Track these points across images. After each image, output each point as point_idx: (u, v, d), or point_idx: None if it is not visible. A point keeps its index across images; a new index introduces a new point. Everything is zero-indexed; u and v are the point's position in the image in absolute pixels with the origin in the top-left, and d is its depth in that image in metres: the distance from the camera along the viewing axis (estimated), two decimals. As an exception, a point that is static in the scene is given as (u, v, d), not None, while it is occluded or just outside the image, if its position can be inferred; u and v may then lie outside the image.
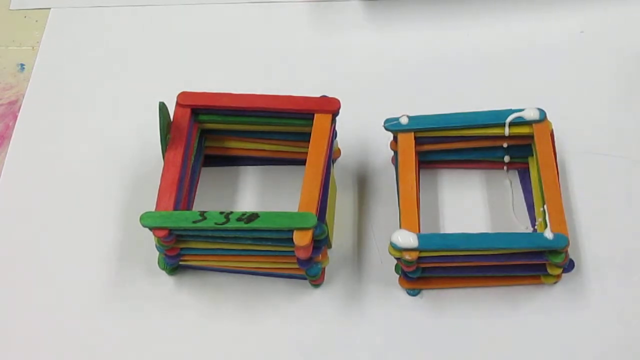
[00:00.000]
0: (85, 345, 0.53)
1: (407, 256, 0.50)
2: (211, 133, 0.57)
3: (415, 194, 0.52)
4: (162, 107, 0.53)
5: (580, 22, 0.65)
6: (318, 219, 0.50)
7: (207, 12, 0.68)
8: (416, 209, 0.52)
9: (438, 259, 0.51)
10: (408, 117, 0.55)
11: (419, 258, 0.50)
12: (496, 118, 0.54)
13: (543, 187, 0.52)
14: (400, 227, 0.51)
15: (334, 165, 0.59)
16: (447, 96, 0.62)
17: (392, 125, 0.55)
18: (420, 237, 0.50)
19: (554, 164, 0.53)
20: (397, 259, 0.51)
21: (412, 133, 0.55)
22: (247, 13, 0.68)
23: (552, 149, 0.53)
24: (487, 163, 0.58)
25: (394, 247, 0.50)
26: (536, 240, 0.50)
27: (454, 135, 0.55)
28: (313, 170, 0.52)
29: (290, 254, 0.51)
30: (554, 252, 0.50)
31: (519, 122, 0.54)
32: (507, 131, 0.54)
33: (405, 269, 0.52)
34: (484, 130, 0.55)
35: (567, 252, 0.51)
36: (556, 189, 0.52)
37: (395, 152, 0.56)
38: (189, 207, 0.55)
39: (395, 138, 0.56)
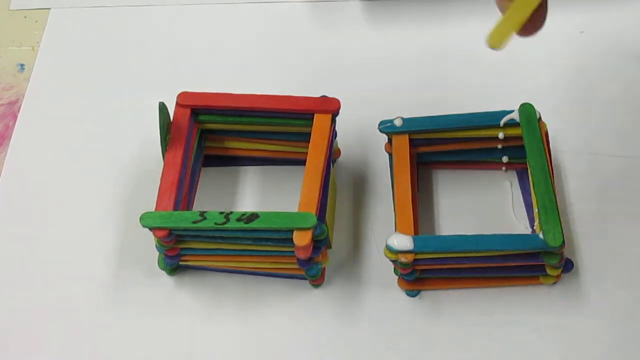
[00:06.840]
0: (84, 345, 0.53)
1: (403, 258, 0.50)
2: (211, 133, 0.57)
3: (410, 196, 0.52)
4: (162, 107, 0.53)
5: (580, 22, 0.65)
6: (318, 219, 0.50)
7: (207, 12, 0.68)
8: (411, 211, 0.52)
9: (434, 260, 0.51)
10: (402, 119, 0.55)
11: (416, 260, 0.50)
12: (490, 119, 0.54)
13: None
14: (395, 230, 0.51)
15: (334, 165, 0.59)
16: (448, 96, 0.61)
17: (387, 128, 0.55)
18: (416, 239, 0.50)
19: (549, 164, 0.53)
20: (393, 261, 0.51)
21: (407, 135, 0.55)
22: (247, 13, 0.68)
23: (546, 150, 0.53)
24: (486, 164, 0.57)
25: (389, 249, 0.50)
26: (531, 242, 0.50)
27: (448, 137, 0.55)
28: (313, 170, 0.52)
29: (290, 254, 0.51)
30: (550, 253, 0.50)
31: (513, 124, 0.54)
32: (501, 135, 0.54)
33: (401, 271, 0.52)
34: (478, 132, 0.55)
35: (562, 253, 0.51)
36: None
37: (390, 155, 0.56)
38: (189, 207, 0.55)
39: (390, 140, 0.56)
